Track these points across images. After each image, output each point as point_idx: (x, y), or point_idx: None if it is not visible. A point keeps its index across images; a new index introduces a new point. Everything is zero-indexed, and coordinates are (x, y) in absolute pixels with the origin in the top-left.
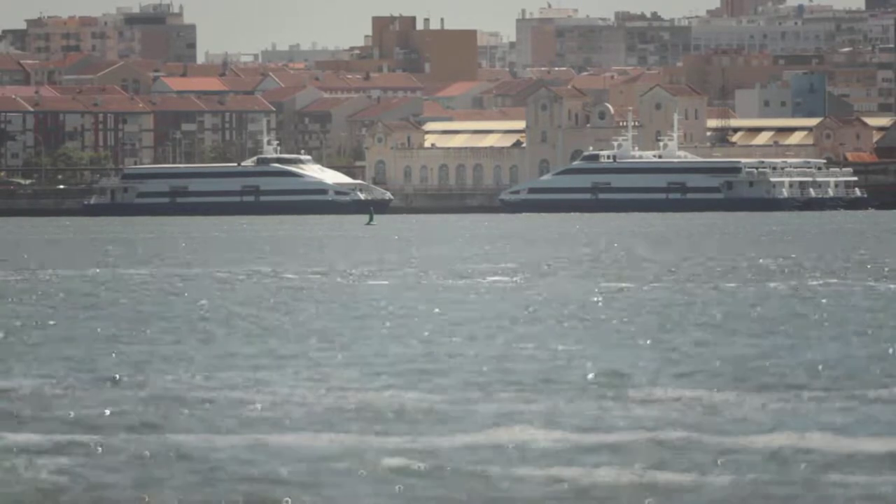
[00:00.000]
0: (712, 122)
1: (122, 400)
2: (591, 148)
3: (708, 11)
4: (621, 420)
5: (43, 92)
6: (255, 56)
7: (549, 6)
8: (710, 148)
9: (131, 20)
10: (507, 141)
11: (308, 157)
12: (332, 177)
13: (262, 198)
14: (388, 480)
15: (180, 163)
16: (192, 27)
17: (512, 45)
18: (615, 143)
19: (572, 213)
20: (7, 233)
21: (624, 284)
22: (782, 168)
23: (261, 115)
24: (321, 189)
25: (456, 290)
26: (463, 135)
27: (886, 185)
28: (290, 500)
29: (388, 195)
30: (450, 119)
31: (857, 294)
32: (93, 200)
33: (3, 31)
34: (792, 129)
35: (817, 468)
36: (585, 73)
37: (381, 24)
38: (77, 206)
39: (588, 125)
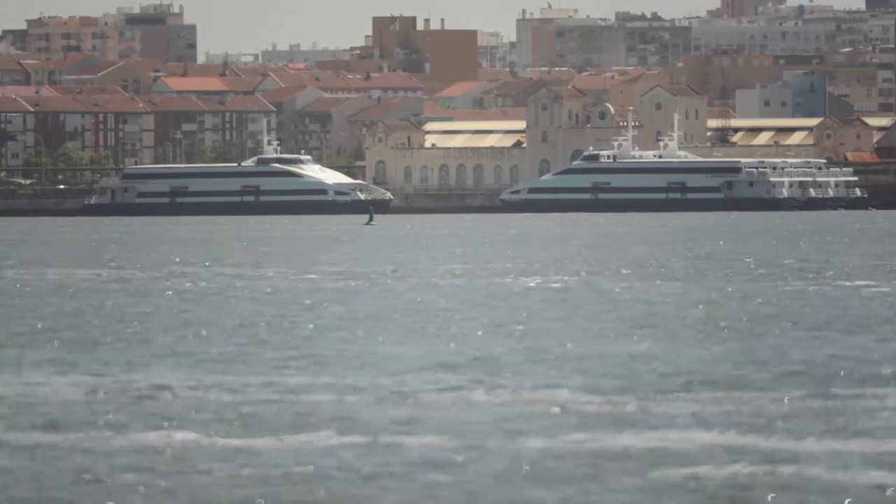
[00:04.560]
0: (712, 122)
1: None
2: (591, 148)
3: (708, 12)
4: None
5: (43, 92)
6: (256, 56)
7: (550, 6)
8: (710, 148)
9: (131, 20)
10: (508, 141)
11: (308, 157)
12: (332, 177)
13: (262, 198)
14: None
15: (180, 163)
16: (193, 27)
17: (512, 45)
18: (615, 143)
19: (574, 213)
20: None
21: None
22: (782, 168)
23: (261, 115)
24: (321, 189)
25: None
26: (463, 135)
27: (886, 185)
28: None
29: (388, 195)
30: (450, 119)
31: None
32: (93, 200)
33: (3, 31)
34: (792, 129)
35: None
36: (586, 73)
37: (381, 24)
38: (77, 206)
39: (588, 125)
